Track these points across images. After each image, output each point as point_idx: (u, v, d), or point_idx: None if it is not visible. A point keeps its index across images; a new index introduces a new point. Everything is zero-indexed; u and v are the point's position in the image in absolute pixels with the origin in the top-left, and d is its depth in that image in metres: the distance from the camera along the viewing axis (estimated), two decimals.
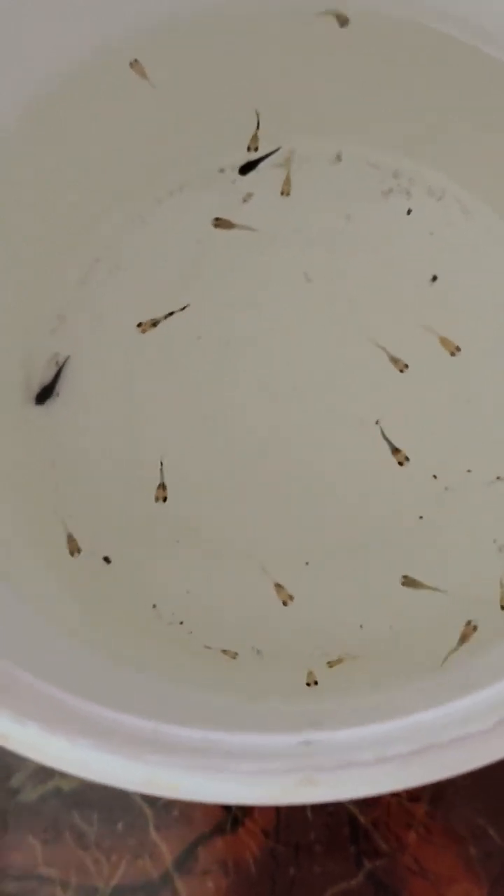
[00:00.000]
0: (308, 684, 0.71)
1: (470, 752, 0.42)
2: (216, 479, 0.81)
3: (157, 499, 0.81)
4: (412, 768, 0.42)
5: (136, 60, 0.77)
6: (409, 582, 0.77)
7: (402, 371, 0.81)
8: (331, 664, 0.75)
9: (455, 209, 0.83)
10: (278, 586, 0.78)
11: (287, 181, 0.84)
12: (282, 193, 0.84)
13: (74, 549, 0.78)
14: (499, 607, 0.73)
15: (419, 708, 0.48)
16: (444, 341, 0.81)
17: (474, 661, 0.60)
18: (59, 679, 0.50)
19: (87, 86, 0.77)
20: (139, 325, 0.83)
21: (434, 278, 0.83)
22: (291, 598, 0.78)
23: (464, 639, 0.71)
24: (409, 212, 0.83)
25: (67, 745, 0.44)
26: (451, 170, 0.83)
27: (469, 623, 0.72)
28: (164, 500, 0.81)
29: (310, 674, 0.72)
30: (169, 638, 0.76)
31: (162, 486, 0.81)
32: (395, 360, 0.81)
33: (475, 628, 0.71)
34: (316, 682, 0.71)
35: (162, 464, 0.81)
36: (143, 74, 0.77)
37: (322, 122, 0.83)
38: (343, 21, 0.76)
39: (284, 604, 0.78)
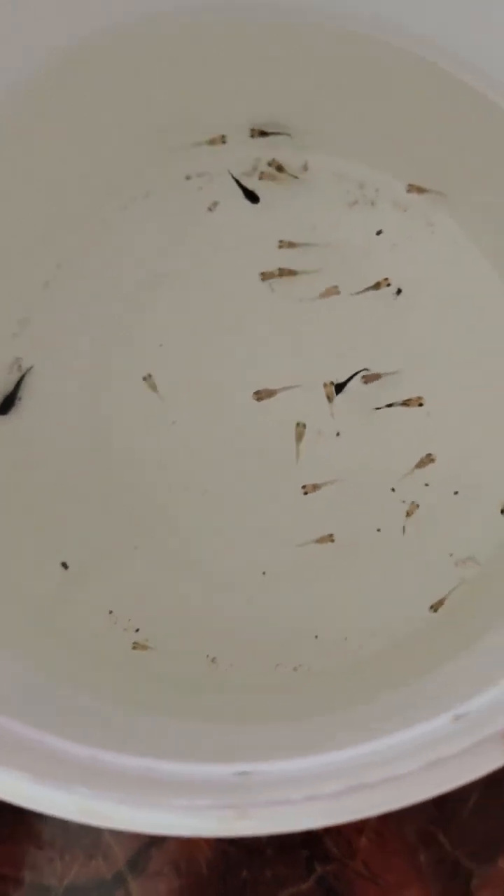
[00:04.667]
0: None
1: (398, 792, 0.43)
2: (178, 485, 0.82)
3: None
4: (341, 806, 0.43)
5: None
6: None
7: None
8: (286, 676, 0.76)
9: (420, 222, 0.83)
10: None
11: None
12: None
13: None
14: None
15: (352, 741, 0.49)
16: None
17: (406, 693, 0.60)
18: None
19: (49, 92, 0.76)
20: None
21: (398, 291, 0.83)
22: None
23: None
24: (378, 233, 0.83)
25: (1, 775, 0.45)
26: (416, 182, 0.83)
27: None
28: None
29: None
30: (122, 650, 0.76)
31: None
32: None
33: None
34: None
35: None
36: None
37: (288, 131, 0.83)
38: None
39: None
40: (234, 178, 0.83)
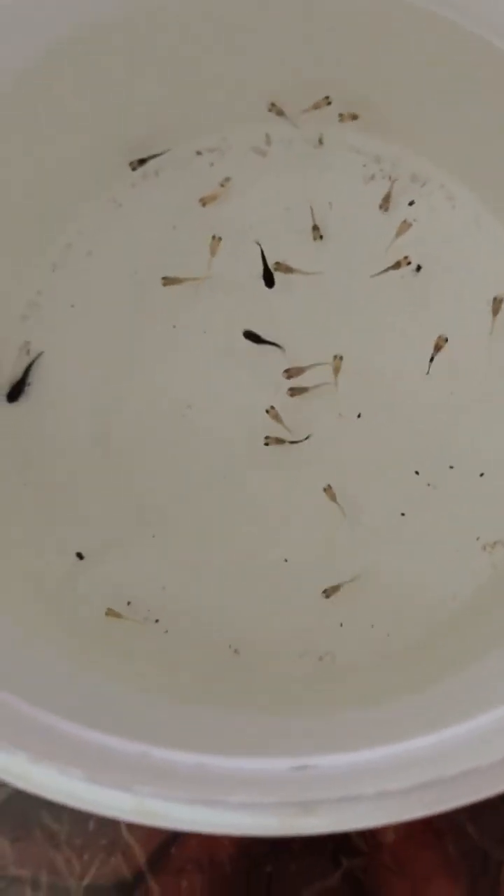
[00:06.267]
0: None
1: (476, 784, 0.41)
2: (196, 470, 0.79)
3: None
4: (415, 802, 0.41)
5: None
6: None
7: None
8: (311, 665, 0.74)
9: (439, 196, 0.81)
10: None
11: None
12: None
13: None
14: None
15: (416, 732, 0.46)
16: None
17: (468, 678, 0.57)
18: (43, 699, 0.48)
19: (61, 67, 0.74)
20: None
21: (418, 268, 0.80)
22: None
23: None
24: (411, 203, 0.81)
25: (56, 775, 0.42)
26: (436, 155, 0.81)
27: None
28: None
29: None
30: (144, 638, 0.74)
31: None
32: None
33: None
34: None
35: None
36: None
37: (303, 104, 0.81)
38: None
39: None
40: (261, 250, 0.81)
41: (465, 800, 0.41)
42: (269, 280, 0.80)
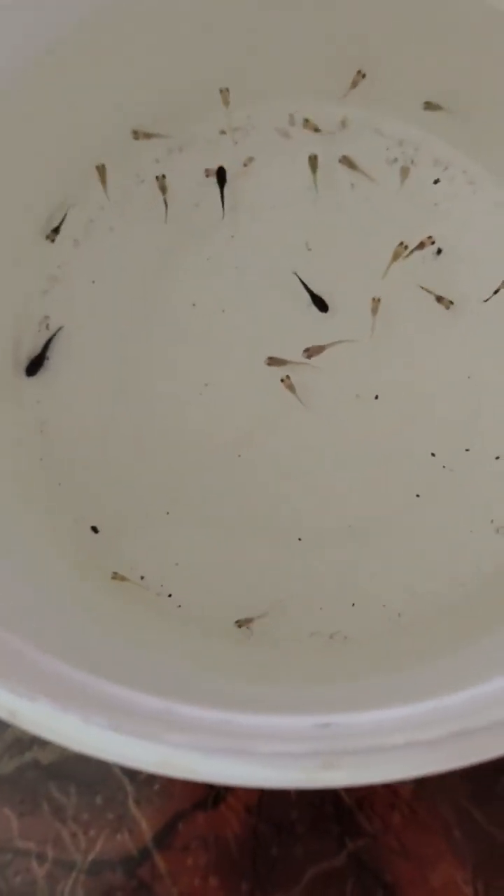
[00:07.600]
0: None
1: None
2: (211, 448, 0.79)
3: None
4: (444, 752, 0.41)
5: None
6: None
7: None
8: (322, 643, 0.74)
9: (461, 180, 0.81)
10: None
11: None
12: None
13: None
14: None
15: (437, 692, 0.47)
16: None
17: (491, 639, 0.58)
18: (67, 655, 0.48)
19: (88, 40, 0.74)
20: None
21: (439, 251, 0.81)
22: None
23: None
24: (436, 181, 0.81)
25: (80, 724, 0.42)
26: (458, 139, 0.81)
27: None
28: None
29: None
30: (160, 611, 0.74)
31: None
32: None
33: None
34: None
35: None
36: None
37: (326, 85, 0.81)
38: None
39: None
40: (301, 281, 0.81)
41: (497, 751, 0.41)
42: (321, 306, 0.81)
